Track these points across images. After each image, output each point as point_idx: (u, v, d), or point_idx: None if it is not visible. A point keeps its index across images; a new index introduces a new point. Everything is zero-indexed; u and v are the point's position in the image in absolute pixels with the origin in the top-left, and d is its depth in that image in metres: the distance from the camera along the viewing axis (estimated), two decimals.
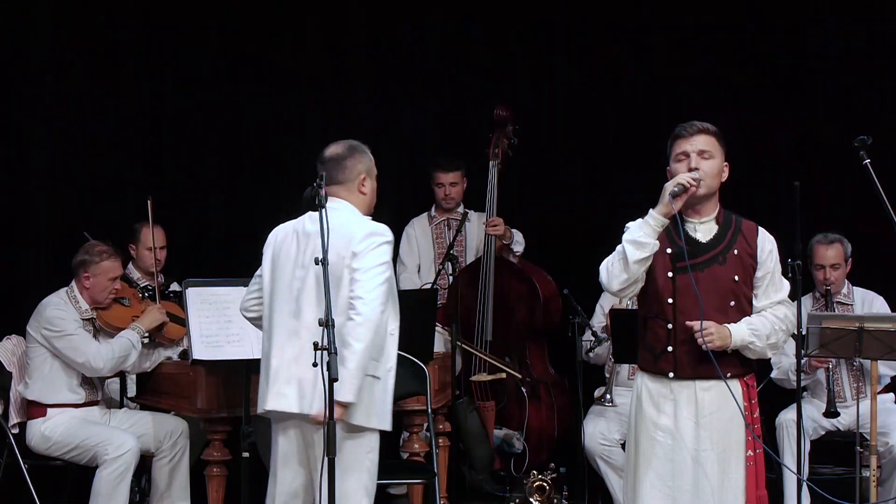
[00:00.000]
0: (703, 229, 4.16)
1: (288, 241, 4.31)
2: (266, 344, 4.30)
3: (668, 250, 4.11)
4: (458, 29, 7.53)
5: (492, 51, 7.53)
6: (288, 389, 4.17)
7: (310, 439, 4.20)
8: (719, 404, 4.10)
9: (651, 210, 4.07)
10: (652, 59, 7.30)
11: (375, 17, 7.46)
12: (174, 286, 6.16)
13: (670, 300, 4.11)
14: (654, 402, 4.16)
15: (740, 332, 4.11)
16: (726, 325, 4.09)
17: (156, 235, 6.13)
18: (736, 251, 4.14)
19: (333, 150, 4.42)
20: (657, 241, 4.06)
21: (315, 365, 3.84)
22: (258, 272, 4.41)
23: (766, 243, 4.21)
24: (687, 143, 4.14)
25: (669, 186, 4.05)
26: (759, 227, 4.24)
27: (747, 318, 4.15)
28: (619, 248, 4.09)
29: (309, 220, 4.28)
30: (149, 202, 5.96)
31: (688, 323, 4.07)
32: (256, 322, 4.46)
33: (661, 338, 4.14)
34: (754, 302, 4.19)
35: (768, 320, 4.16)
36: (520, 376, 6.61)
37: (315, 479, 4.10)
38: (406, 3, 7.46)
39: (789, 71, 7.12)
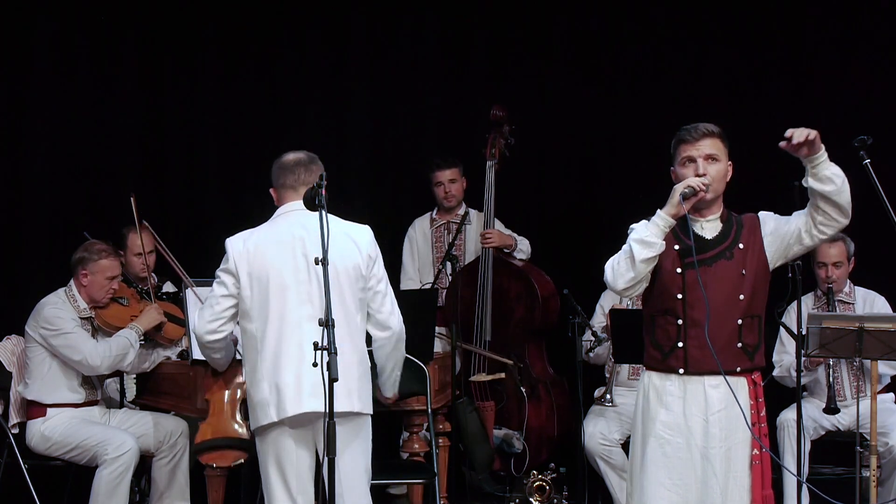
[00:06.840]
0: (709, 227, 4.15)
1: (282, 248, 4.22)
2: (277, 347, 4.19)
3: (676, 247, 4.10)
4: (456, 30, 7.52)
5: (490, 51, 7.52)
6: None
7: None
8: (728, 402, 4.06)
9: (659, 210, 4.05)
10: (651, 59, 7.30)
11: (375, 17, 7.46)
12: (168, 286, 6.15)
13: (679, 296, 4.08)
14: (662, 400, 4.13)
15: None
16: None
17: (143, 240, 6.11)
18: (742, 245, 4.12)
19: (307, 154, 4.42)
20: (664, 242, 4.05)
21: (315, 365, 3.82)
22: (223, 292, 4.26)
23: (763, 215, 4.19)
24: (693, 147, 4.11)
25: (679, 188, 4.03)
26: (758, 214, 4.21)
27: None
28: (625, 247, 4.07)
29: (302, 222, 4.20)
30: (132, 200, 5.81)
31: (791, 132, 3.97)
32: (217, 345, 4.38)
33: (671, 334, 4.11)
34: (800, 218, 4.11)
35: None
36: (521, 365, 6.60)
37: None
38: (405, 3, 7.45)
39: (790, 70, 7.12)
